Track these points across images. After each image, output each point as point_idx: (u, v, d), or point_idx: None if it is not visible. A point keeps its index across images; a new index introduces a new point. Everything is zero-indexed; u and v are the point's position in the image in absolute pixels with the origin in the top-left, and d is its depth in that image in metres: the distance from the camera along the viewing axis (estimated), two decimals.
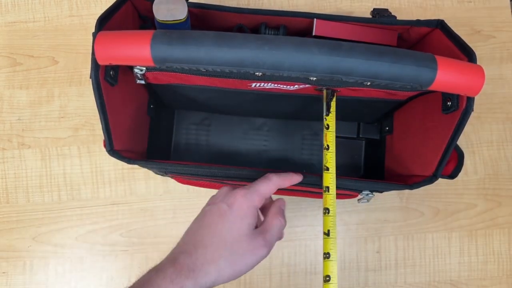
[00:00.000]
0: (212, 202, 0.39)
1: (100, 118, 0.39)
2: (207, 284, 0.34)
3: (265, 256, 0.36)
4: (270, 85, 0.43)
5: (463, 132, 0.39)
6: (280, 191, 0.55)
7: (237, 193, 0.37)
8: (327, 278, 0.37)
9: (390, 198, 0.62)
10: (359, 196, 0.50)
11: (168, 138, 0.61)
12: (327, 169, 0.41)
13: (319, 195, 0.54)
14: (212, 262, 0.34)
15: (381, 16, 0.46)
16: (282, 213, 0.39)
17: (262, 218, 0.41)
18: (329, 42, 0.33)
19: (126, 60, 0.35)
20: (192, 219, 0.60)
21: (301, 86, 0.43)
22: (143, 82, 0.44)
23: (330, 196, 0.40)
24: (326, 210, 0.39)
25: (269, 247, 0.36)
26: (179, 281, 0.33)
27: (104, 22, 0.37)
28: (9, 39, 0.63)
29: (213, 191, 0.59)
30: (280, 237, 0.39)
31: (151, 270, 0.34)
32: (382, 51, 0.33)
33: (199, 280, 0.33)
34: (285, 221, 0.39)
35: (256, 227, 0.38)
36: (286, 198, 0.60)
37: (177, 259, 0.34)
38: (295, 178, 0.41)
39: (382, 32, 0.45)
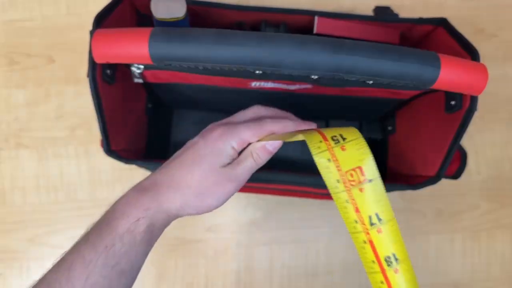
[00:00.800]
0: (197, 136, 0.37)
1: (98, 118, 0.39)
2: (172, 210, 0.33)
3: (233, 191, 0.35)
4: (270, 85, 0.42)
5: (466, 132, 0.38)
6: (279, 191, 0.54)
7: (215, 131, 0.35)
8: None
9: (393, 199, 0.61)
10: None
11: (166, 137, 0.60)
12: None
13: (320, 196, 0.54)
14: (178, 190, 0.33)
15: (383, 14, 0.46)
16: (262, 152, 0.36)
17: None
18: (331, 39, 0.32)
19: (124, 58, 0.34)
20: (191, 220, 0.60)
21: (302, 86, 0.42)
22: (141, 81, 0.43)
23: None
24: None
25: (237, 182, 0.35)
26: (142, 204, 0.32)
27: (102, 20, 0.37)
28: (6, 37, 0.63)
29: None
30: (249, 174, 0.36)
31: (119, 199, 0.34)
32: (385, 49, 0.32)
33: (163, 205, 0.33)
34: (261, 162, 0.36)
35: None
36: (286, 199, 0.60)
37: (141, 184, 0.34)
38: (290, 126, 0.36)
39: (384, 30, 0.44)
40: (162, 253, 0.60)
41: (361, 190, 0.25)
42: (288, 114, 0.39)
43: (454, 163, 0.43)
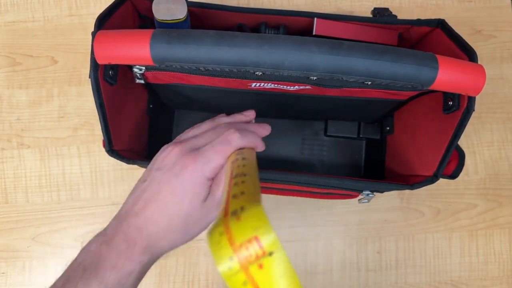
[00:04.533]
0: (160, 166, 0.34)
1: (99, 118, 0.39)
2: (162, 254, 0.34)
3: (216, 215, 0.33)
4: (270, 85, 0.43)
5: (463, 132, 0.39)
6: (279, 191, 0.55)
7: (188, 164, 0.32)
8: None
9: (391, 198, 0.62)
10: (360, 196, 0.50)
11: (167, 137, 0.60)
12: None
13: (319, 195, 0.54)
14: (165, 237, 0.33)
15: (381, 15, 0.46)
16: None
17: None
18: (330, 41, 0.33)
19: (126, 59, 0.34)
20: None
21: (301, 87, 0.43)
22: (142, 81, 0.44)
23: None
24: None
25: (218, 206, 0.34)
26: (135, 258, 0.31)
27: (104, 21, 0.37)
28: (8, 38, 0.63)
29: None
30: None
31: (100, 242, 0.32)
32: (383, 50, 0.33)
33: (155, 254, 0.33)
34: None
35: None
36: (285, 198, 0.60)
37: (128, 233, 0.32)
38: (261, 131, 0.36)
39: (382, 32, 0.45)
40: None
41: (260, 266, 0.20)
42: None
43: (452, 163, 0.43)
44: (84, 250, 0.32)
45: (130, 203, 0.34)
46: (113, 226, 0.33)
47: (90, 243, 0.32)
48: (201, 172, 0.32)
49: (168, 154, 0.34)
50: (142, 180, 0.35)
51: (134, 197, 0.34)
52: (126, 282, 0.31)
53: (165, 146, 0.36)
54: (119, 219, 0.33)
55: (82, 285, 0.30)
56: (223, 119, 0.39)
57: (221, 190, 0.33)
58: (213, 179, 0.34)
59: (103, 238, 0.32)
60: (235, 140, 0.33)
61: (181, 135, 0.38)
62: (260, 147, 0.37)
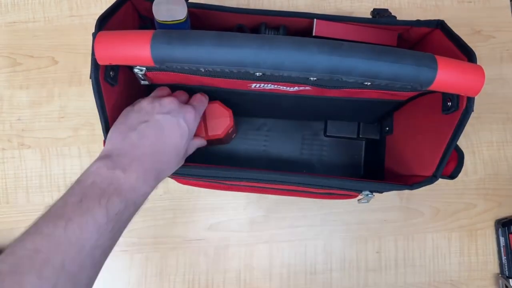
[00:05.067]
0: (165, 111, 0.40)
1: (100, 118, 0.39)
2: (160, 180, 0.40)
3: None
4: (270, 86, 0.43)
5: (463, 132, 0.39)
6: (279, 191, 0.55)
7: (190, 112, 0.42)
8: None
9: (390, 198, 0.62)
10: (359, 196, 0.50)
11: None
12: None
13: (319, 195, 0.54)
14: (168, 166, 0.41)
15: (381, 16, 0.46)
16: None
17: None
18: (329, 41, 0.33)
19: (126, 60, 0.35)
20: (192, 219, 0.61)
21: (301, 88, 0.43)
22: (147, 83, 0.44)
23: None
24: None
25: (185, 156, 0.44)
26: (149, 183, 0.37)
27: (104, 22, 0.37)
28: (9, 39, 0.63)
29: (212, 191, 0.60)
30: None
31: (110, 167, 0.35)
32: (382, 51, 0.33)
33: (159, 180, 0.39)
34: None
35: None
36: (286, 198, 0.60)
37: (145, 162, 0.37)
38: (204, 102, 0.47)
39: (382, 33, 0.45)
40: (163, 251, 0.60)
41: None
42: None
43: (451, 163, 0.43)
44: (92, 173, 0.34)
45: (139, 138, 0.38)
46: (125, 157, 0.36)
47: (97, 168, 0.35)
48: (197, 122, 0.43)
49: (169, 103, 0.41)
50: (143, 121, 0.39)
51: (141, 135, 0.38)
52: (141, 201, 0.36)
53: (151, 98, 0.42)
54: (133, 153, 0.37)
55: (105, 201, 0.32)
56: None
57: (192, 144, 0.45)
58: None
59: (113, 165, 0.35)
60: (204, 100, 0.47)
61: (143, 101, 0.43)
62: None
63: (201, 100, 0.46)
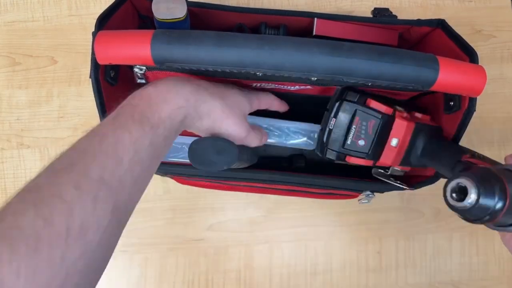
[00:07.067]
0: (237, 87, 0.41)
1: (100, 118, 0.39)
2: (201, 112, 0.36)
3: (238, 138, 0.39)
4: (271, 85, 0.43)
5: (464, 132, 0.39)
6: (279, 191, 0.55)
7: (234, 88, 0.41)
8: None
9: (391, 199, 0.62)
10: (360, 196, 0.50)
11: None
12: None
13: (319, 195, 0.54)
14: (212, 96, 0.37)
15: (381, 15, 0.46)
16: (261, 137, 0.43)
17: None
18: (330, 42, 0.32)
19: (126, 60, 0.34)
20: (192, 219, 0.61)
21: (301, 86, 0.43)
22: (143, 81, 0.44)
23: None
24: None
25: (246, 136, 0.40)
26: (183, 94, 0.34)
27: (104, 22, 0.37)
28: (8, 38, 0.63)
29: (212, 191, 0.60)
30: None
31: (142, 86, 0.34)
32: (384, 51, 0.33)
33: (198, 103, 0.36)
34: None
35: None
36: (286, 198, 0.60)
37: (182, 78, 0.36)
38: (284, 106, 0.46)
39: (383, 32, 0.45)
40: (163, 251, 0.60)
41: None
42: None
43: None
44: (127, 97, 0.33)
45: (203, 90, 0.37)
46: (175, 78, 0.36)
47: (133, 93, 0.34)
48: (246, 96, 0.41)
49: (233, 86, 0.41)
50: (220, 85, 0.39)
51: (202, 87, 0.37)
52: (176, 116, 0.33)
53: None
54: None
55: (138, 114, 0.31)
56: None
57: (252, 134, 0.41)
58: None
59: (147, 85, 0.34)
60: (273, 97, 0.46)
61: None
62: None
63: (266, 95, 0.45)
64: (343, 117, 0.40)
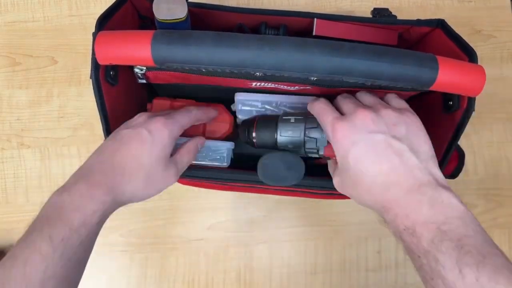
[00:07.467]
0: (130, 126, 0.38)
1: (100, 118, 0.39)
2: (122, 203, 0.36)
3: (171, 184, 0.39)
4: (271, 85, 0.43)
5: (463, 132, 0.39)
6: (279, 191, 0.55)
7: (158, 121, 0.37)
8: None
9: None
10: None
11: None
12: None
13: (319, 195, 0.54)
14: (129, 183, 0.35)
15: (381, 15, 0.46)
16: (195, 150, 0.42)
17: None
18: (330, 42, 0.33)
19: (127, 60, 0.34)
20: (192, 219, 0.61)
21: (301, 87, 0.43)
22: (144, 81, 0.44)
23: None
24: None
25: (178, 176, 0.39)
26: (97, 198, 0.33)
27: (104, 22, 0.37)
28: (9, 38, 0.63)
29: (212, 191, 0.60)
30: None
31: (59, 193, 0.34)
32: (383, 51, 0.33)
33: (117, 198, 0.35)
34: (194, 158, 0.43)
35: (171, 155, 0.39)
36: (286, 198, 0.60)
37: (91, 177, 0.35)
38: (212, 113, 0.44)
39: (382, 32, 0.45)
40: (163, 251, 0.60)
41: None
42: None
43: (452, 163, 0.43)
44: (44, 205, 0.34)
45: (95, 158, 0.36)
46: (74, 177, 0.35)
47: (49, 199, 0.34)
48: (170, 131, 0.37)
49: (137, 118, 0.39)
50: (108, 139, 0.38)
51: (99, 152, 0.37)
52: (91, 221, 0.33)
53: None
54: (82, 171, 0.36)
55: (48, 228, 0.31)
56: None
57: (181, 161, 0.39)
58: (178, 149, 0.40)
59: (62, 190, 0.34)
60: (193, 109, 0.41)
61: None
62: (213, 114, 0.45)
63: (184, 110, 0.41)
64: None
